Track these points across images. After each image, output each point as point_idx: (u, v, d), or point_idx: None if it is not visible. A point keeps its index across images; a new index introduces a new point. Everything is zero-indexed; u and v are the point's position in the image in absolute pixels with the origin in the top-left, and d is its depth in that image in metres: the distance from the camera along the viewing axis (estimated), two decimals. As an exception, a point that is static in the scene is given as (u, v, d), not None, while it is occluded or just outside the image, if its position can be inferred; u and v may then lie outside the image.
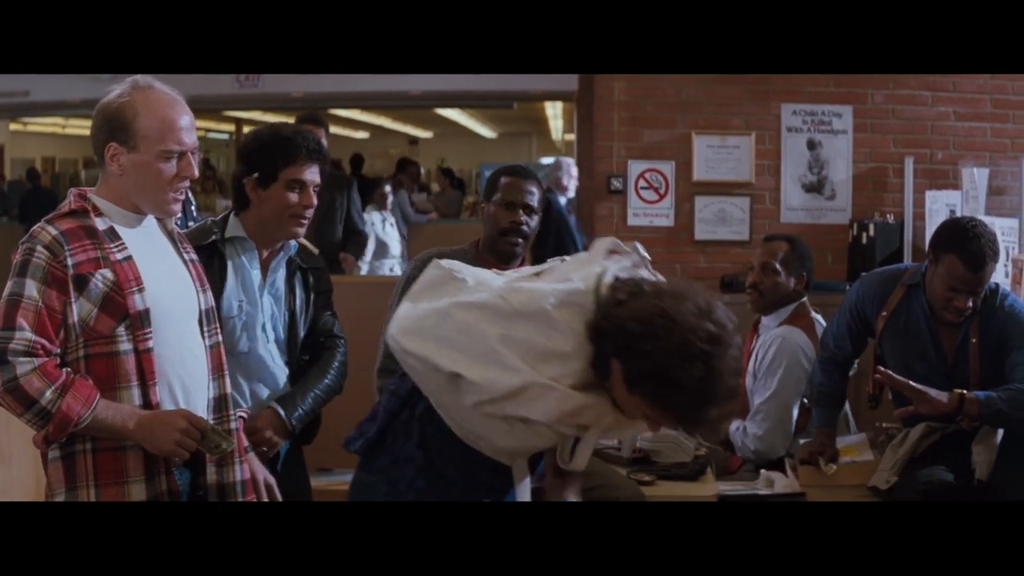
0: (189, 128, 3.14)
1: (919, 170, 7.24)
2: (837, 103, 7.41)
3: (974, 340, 4.24)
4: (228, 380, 3.33)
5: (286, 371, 3.88)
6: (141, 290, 3.06)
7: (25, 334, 2.94)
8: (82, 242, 3.03)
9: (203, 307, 3.27)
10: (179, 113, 3.12)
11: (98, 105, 3.13)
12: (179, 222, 6.83)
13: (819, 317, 4.97)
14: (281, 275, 3.88)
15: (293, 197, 3.76)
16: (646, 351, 2.63)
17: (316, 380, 3.88)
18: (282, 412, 3.75)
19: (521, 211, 4.17)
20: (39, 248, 3.00)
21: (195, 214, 7.32)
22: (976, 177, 6.48)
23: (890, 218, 7.15)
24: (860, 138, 7.45)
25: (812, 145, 7.47)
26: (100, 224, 3.08)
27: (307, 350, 3.96)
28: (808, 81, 7.33)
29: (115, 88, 3.11)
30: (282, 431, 3.74)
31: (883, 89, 7.35)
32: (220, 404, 3.29)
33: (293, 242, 3.91)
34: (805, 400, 4.75)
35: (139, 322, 3.05)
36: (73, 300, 2.99)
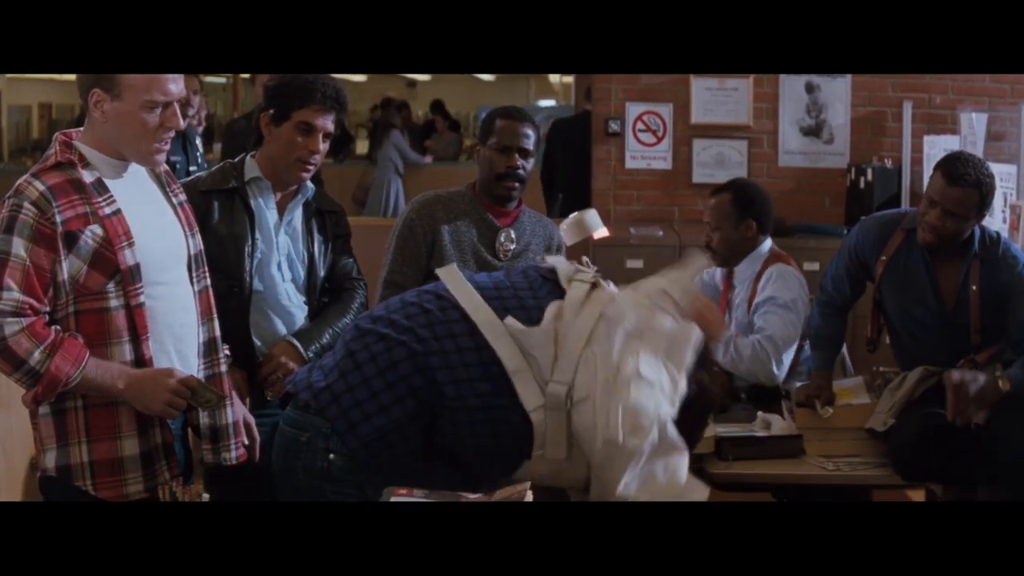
0: (176, 78, 3.07)
1: (917, 115, 7.22)
2: (836, 46, 7.37)
3: (974, 287, 4.24)
4: (217, 323, 3.32)
5: (304, 310, 3.91)
6: (131, 244, 3.03)
7: (13, 294, 2.90)
8: (70, 197, 2.98)
9: (192, 251, 3.24)
10: None
11: None
12: (180, 164, 6.85)
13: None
14: (298, 215, 3.90)
15: (300, 140, 3.77)
16: None
17: (334, 317, 3.92)
18: (298, 344, 3.81)
19: (517, 155, 4.15)
20: (26, 204, 2.94)
21: (200, 159, 7.28)
22: (975, 122, 6.46)
23: (888, 163, 7.14)
24: (859, 82, 7.42)
25: (810, 88, 7.44)
26: (88, 177, 3.03)
27: (327, 293, 3.99)
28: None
29: None
30: (298, 361, 3.76)
31: (882, 32, 7.31)
32: (210, 348, 3.29)
33: (311, 185, 3.94)
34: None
35: (130, 277, 3.02)
36: (63, 258, 2.96)
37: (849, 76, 7.39)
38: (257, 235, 3.80)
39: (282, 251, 3.85)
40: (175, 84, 3.06)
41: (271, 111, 3.82)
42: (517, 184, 4.18)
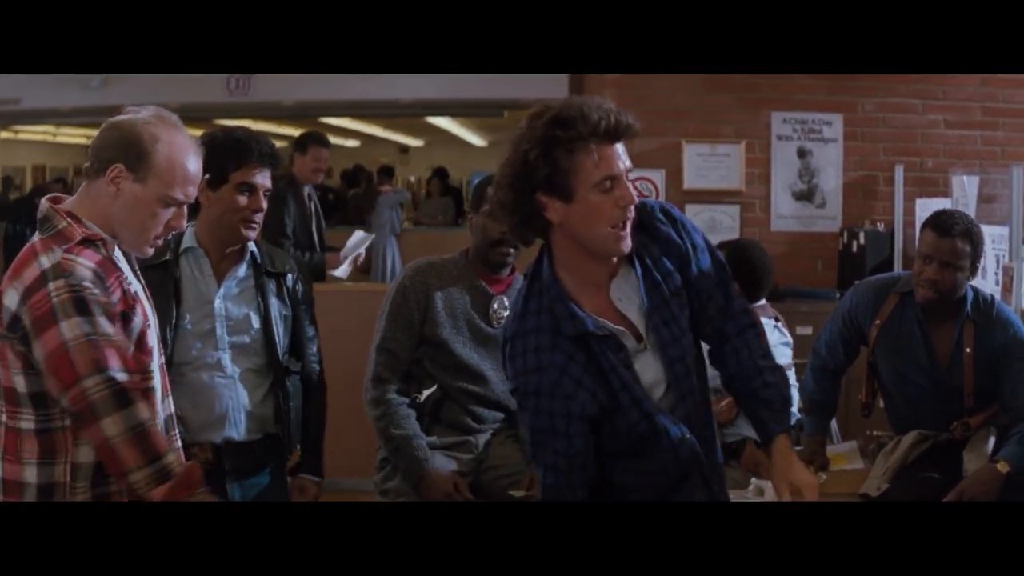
0: (196, 179, 2.95)
1: (909, 178, 7.26)
2: (827, 111, 7.43)
3: (968, 350, 4.24)
4: (172, 400, 3.13)
5: (254, 377, 3.82)
6: (149, 325, 2.93)
7: (123, 375, 2.70)
8: (113, 276, 2.83)
9: (157, 330, 3.08)
10: (195, 163, 2.93)
11: (114, 120, 2.91)
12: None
13: (780, 325, 4.88)
14: (241, 280, 3.82)
15: (242, 200, 3.72)
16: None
17: (316, 426, 4.02)
18: (313, 477, 3.97)
19: (510, 221, 4.16)
20: (86, 283, 2.73)
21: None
22: (966, 185, 6.49)
23: (880, 226, 7.16)
24: (850, 146, 7.47)
25: (802, 153, 7.48)
26: (114, 253, 2.90)
27: (295, 355, 3.96)
28: (798, 89, 7.34)
29: (137, 110, 2.92)
30: (319, 489, 3.97)
31: (873, 97, 7.37)
32: (169, 424, 3.08)
33: (253, 248, 3.85)
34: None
35: (151, 356, 2.93)
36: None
37: (841, 141, 7.44)
38: (184, 307, 3.72)
39: (218, 318, 3.77)
40: (194, 188, 2.95)
41: (206, 176, 3.61)
42: (512, 250, 4.18)
